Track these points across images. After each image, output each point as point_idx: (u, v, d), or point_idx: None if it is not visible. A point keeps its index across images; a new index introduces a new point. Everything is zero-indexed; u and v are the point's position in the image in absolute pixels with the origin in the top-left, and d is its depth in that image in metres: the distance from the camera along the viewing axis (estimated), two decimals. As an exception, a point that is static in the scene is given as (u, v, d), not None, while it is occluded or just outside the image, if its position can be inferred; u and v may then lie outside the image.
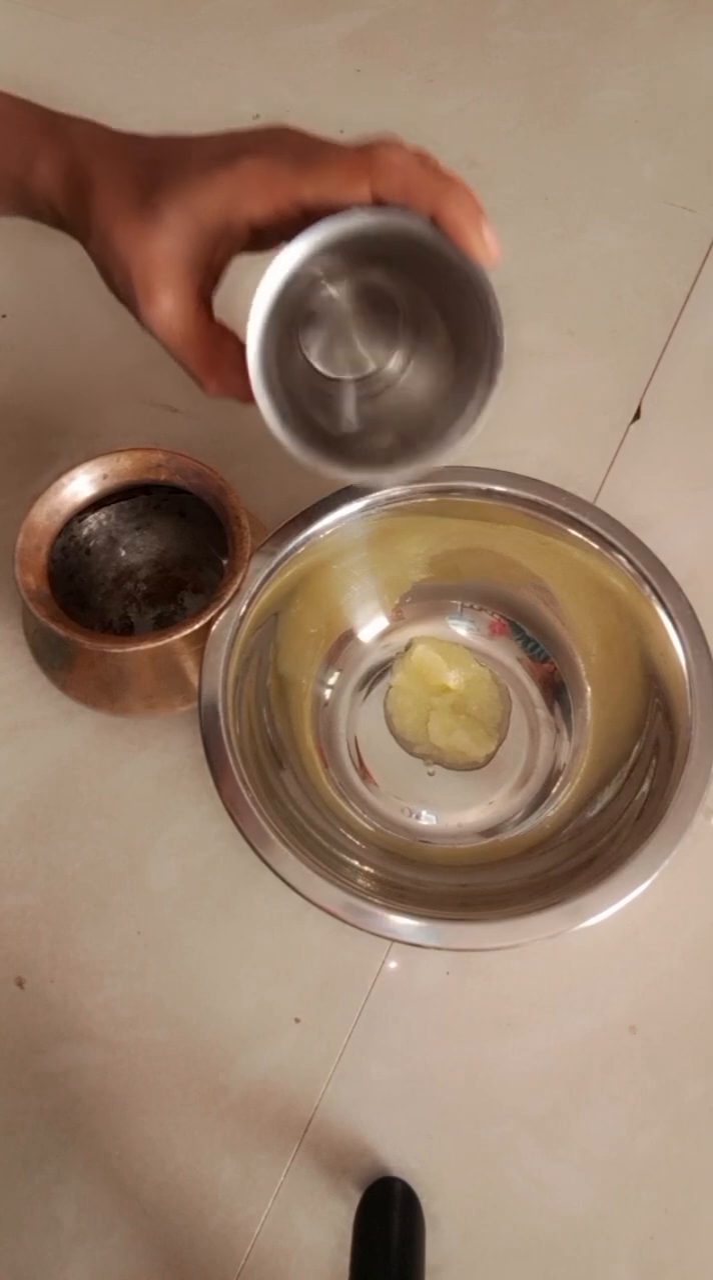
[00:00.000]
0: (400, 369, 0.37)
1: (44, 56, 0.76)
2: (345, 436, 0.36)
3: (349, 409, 0.36)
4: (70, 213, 0.33)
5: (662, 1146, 0.41)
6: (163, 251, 0.30)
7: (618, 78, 0.73)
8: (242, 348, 0.31)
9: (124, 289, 0.31)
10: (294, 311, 0.34)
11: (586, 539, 0.43)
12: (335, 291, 0.35)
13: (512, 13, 0.78)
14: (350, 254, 0.32)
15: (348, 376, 0.36)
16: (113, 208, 0.31)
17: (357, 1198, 0.39)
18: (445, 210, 0.28)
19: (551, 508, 0.43)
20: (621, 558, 0.42)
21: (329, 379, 0.37)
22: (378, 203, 0.29)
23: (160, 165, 0.31)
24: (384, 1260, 0.37)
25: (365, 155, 0.28)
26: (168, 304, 0.31)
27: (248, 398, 0.31)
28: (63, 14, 0.78)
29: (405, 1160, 0.40)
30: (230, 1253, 0.39)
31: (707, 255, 0.64)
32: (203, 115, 0.72)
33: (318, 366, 0.36)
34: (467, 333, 0.32)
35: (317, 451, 0.32)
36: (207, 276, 0.32)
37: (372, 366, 0.36)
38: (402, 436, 0.36)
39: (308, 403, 0.35)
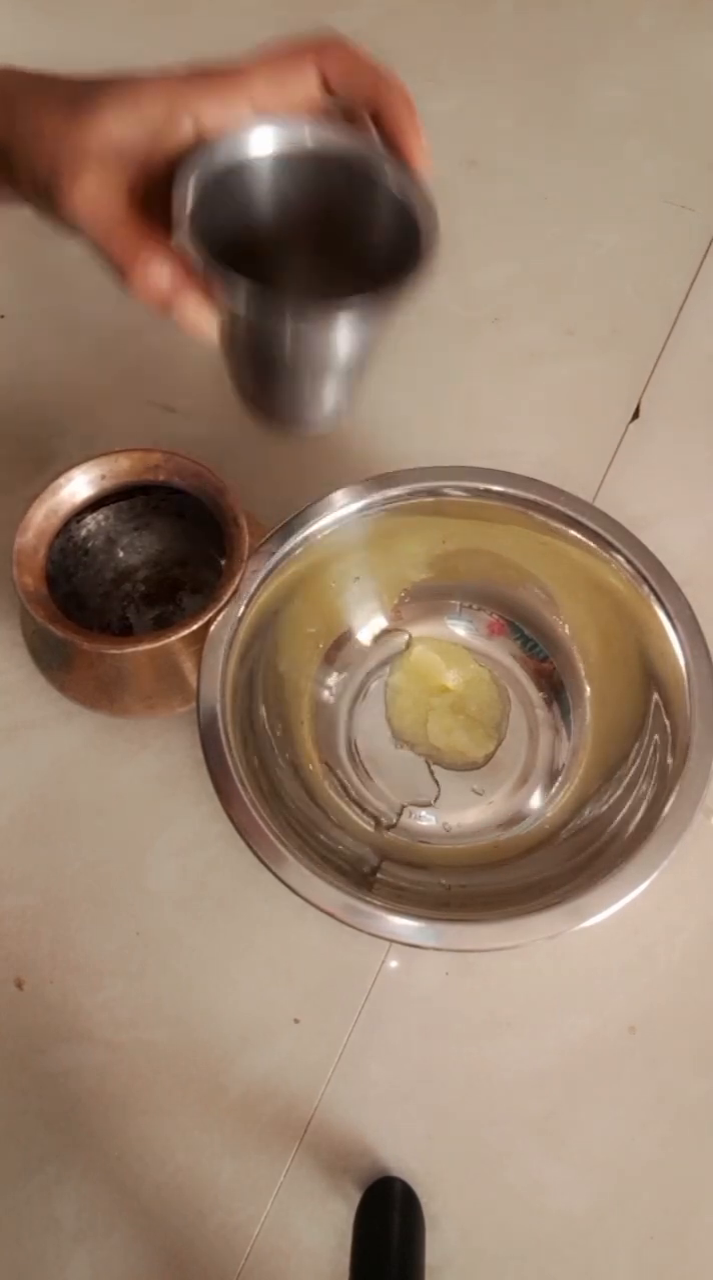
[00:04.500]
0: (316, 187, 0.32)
1: (41, 55, 0.75)
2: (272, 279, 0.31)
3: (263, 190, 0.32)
4: None
5: (662, 1146, 0.41)
6: (94, 136, 0.28)
7: (618, 78, 0.73)
8: (171, 248, 0.28)
9: (49, 177, 0.28)
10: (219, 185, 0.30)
11: (584, 539, 0.43)
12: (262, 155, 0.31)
13: (512, 12, 0.78)
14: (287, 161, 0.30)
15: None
16: (42, 109, 0.28)
17: (357, 1198, 0.39)
18: (387, 102, 0.28)
19: (549, 507, 0.43)
20: (619, 557, 0.42)
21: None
22: (326, 88, 0.29)
23: (98, 79, 0.29)
24: (384, 1260, 0.37)
25: (315, 42, 0.29)
26: (92, 187, 0.28)
27: (170, 305, 0.28)
28: (59, 13, 0.78)
29: (405, 1160, 0.40)
30: (230, 1253, 0.39)
31: (706, 254, 0.64)
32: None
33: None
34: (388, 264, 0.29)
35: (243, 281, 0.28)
36: (139, 172, 0.29)
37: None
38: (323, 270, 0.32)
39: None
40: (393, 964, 0.44)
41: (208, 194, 0.28)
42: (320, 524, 0.43)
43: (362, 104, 0.29)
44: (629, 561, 0.42)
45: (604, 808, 0.42)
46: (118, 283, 0.29)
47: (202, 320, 0.29)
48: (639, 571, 0.42)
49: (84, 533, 0.49)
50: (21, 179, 0.29)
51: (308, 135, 0.29)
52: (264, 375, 0.32)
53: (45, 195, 0.29)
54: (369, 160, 0.29)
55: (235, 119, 0.28)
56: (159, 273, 0.28)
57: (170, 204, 0.28)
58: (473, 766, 0.47)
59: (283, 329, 0.29)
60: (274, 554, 0.42)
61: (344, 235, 0.31)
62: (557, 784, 0.45)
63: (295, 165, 0.30)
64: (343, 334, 0.29)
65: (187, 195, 0.27)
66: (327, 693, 0.48)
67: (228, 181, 0.29)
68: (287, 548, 0.42)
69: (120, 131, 0.28)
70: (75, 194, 0.28)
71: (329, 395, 0.32)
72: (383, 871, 0.41)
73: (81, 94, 0.28)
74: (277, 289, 0.28)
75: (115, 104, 0.28)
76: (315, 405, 0.33)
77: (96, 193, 0.28)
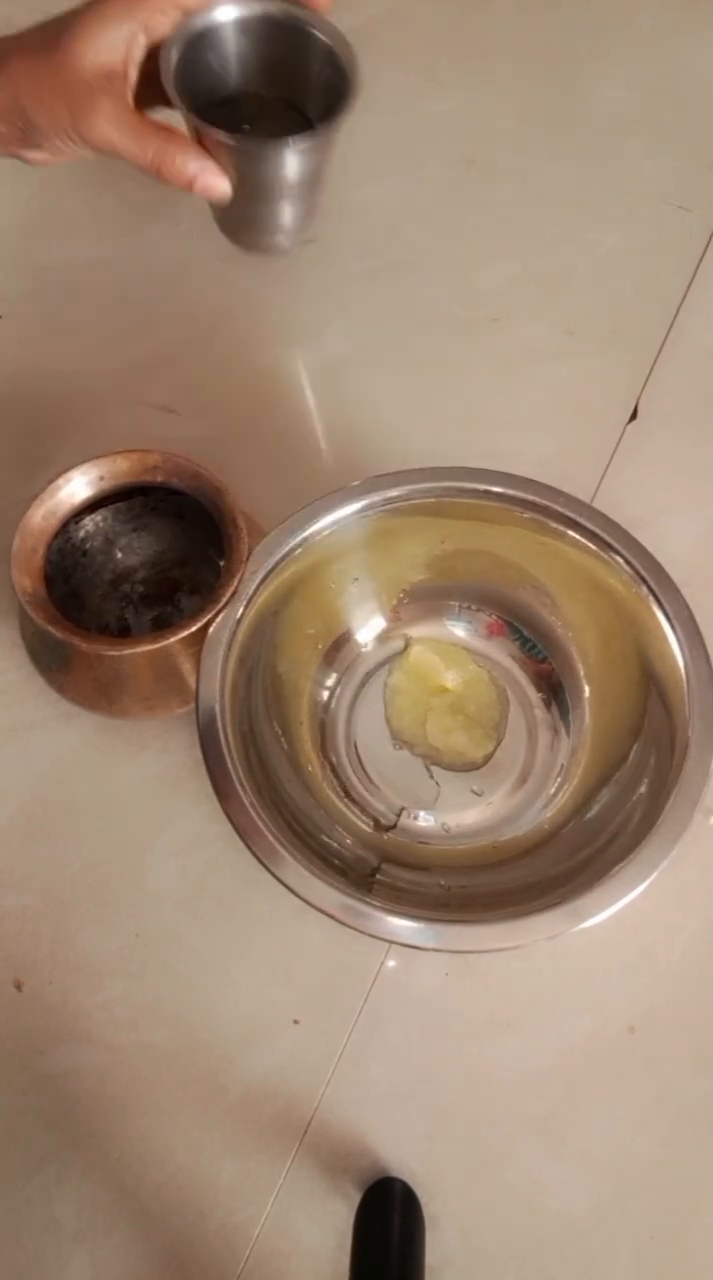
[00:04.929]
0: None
1: None
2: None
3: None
4: None
5: (662, 1146, 0.41)
6: (85, 69, 0.33)
7: (618, 78, 0.73)
8: (185, 136, 0.35)
9: (69, 117, 0.33)
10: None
11: (583, 539, 0.43)
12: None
13: (512, 12, 0.78)
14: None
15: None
16: (26, 64, 0.34)
17: (357, 1198, 0.39)
18: None
19: (548, 508, 0.43)
20: (618, 558, 0.42)
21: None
22: None
23: (54, 22, 0.34)
24: (384, 1260, 0.37)
25: None
26: (109, 111, 0.34)
27: (195, 181, 0.35)
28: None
29: (405, 1160, 0.40)
30: (230, 1253, 0.39)
31: (704, 254, 0.64)
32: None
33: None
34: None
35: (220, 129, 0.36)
36: (125, 85, 0.34)
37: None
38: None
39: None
40: (392, 964, 0.44)
41: (187, 68, 0.36)
42: (319, 524, 0.43)
43: None
44: (628, 562, 0.42)
45: (603, 808, 0.42)
46: (154, 178, 0.35)
47: (220, 184, 0.36)
48: (638, 572, 0.42)
49: (82, 534, 0.49)
50: (44, 129, 0.35)
51: (252, 6, 0.37)
52: (244, 206, 0.40)
53: (75, 132, 0.34)
54: (301, 18, 0.37)
55: (172, 20, 0.35)
56: (186, 161, 0.35)
57: (149, 105, 0.36)
58: (472, 767, 0.47)
59: (258, 162, 0.37)
60: (273, 554, 0.42)
61: (292, 90, 0.40)
62: (556, 784, 0.45)
63: (247, 32, 0.38)
64: (295, 160, 0.37)
65: (171, 73, 0.35)
66: (326, 693, 0.48)
67: (201, 52, 0.37)
68: (286, 548, 0.42)
69: (100, 59, 0.33)
70: (98, 121, 0.33)
71: (289, 216, 0.41)
72: (382, 872, 0.41)
73: (51, 40, 0.34)
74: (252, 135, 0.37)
75: (87, 36, 0.33)
76: (281, 225, 0.42)
77: (114, 114, 0.34)
